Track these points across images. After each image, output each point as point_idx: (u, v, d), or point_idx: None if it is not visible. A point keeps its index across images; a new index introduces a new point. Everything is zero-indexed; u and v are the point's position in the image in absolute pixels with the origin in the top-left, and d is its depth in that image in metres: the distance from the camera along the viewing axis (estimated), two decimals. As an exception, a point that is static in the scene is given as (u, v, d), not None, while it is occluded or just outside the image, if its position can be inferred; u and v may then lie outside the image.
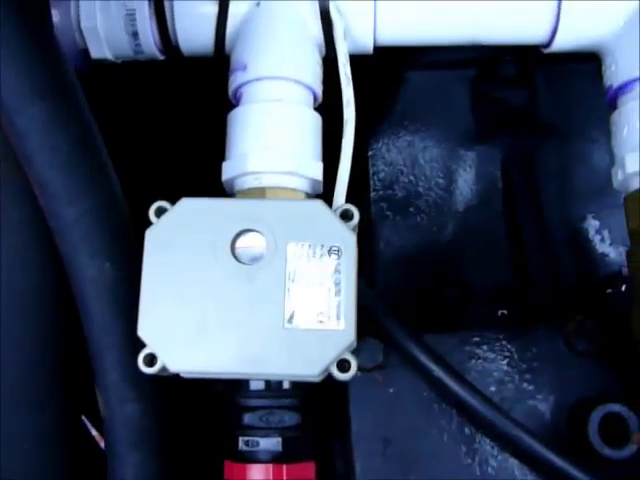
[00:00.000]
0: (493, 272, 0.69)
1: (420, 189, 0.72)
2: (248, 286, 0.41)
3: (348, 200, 0.50)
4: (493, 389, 0.58)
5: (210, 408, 0.56)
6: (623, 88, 0.55)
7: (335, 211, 0.42)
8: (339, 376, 0.41)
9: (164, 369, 0.41)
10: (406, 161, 0.73)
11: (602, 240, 0.72)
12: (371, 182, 0.72)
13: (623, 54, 0.55)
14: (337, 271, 0.41)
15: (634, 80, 0.54)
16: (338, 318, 0.41)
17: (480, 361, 0.58)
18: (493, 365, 0.58)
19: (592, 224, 0.72)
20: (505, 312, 0.66)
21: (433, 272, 0.70)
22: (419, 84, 0.73)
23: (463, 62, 0.72)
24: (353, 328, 0.40)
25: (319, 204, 0.42)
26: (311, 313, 0.41)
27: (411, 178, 0.72)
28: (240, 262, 0.42)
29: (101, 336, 0.45)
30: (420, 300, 0.68)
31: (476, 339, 0.59)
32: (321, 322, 0.41)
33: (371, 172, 0.73)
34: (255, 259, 0.42)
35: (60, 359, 0.49)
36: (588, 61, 0.61)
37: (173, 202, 0.43)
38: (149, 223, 0.43)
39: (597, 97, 0.60)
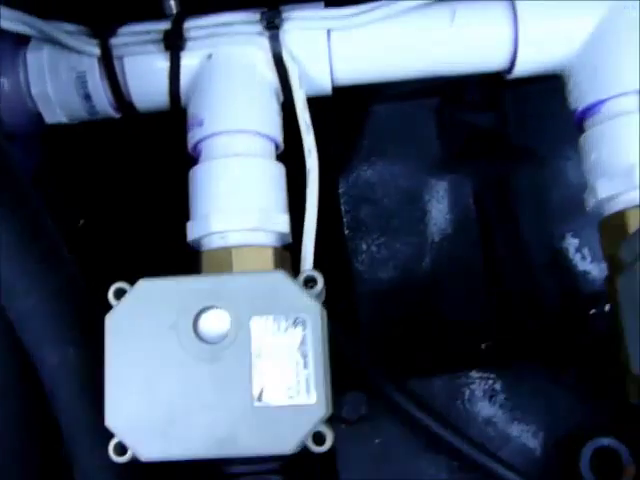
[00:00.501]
0: (473, 302, 0.68)
1: (395, 221, 0.71)
2: (214, 366, 0.40)
3: (320, 237, 0.49)
4: (480, 428, 0.57)
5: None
6: (587, 111, 0.54)
7: (298, 278, 0.41)
8: (315, 449, 0.40)
9: (135, 458, 0.40)
10: (377, 195, 0.72)
11: (583, 258, 0.71)
12: (344, 219, 0.71)
13: (584, 76, 0.55)
14: (303, 343, 0.40)
15: (598, 103, 0.53)
16: (308, 391, 0.39)
17: (466, 402, 0.57)
18: (480, 405, 0.57)
19: (572, 242, 0.71)
20: (489, 344, 0.65)
21: (413, 304, 0.69)
22: (384, 116, 0.72)
23: (427, 90, 0.71)
24: (325, 400, 0.39)
25: (280, 276, 0.41)
26: (280, 389, 0.40)
27: (384, 212, 0.71)
28: (204, 342, 0.41)
29: (72, 424, 0.44)
30: (402, 333, 0.67)
31: (461, 380, 0.58)
32: (291, 397, 0.39)
33: (343, 210, 0.72)
34: (219, 337, 0.41)
35: (34, 445, 0.48)
36: (556, 78, 0.60)
37: (133, 282, 0.42)
38: (110, 306, 0.42)
39: (568, 114, 0.59)
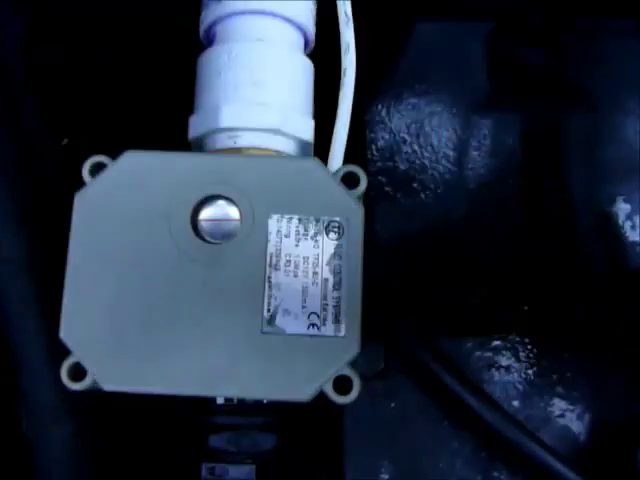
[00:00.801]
0: (511, 260, 0.58)
1: (426, 162, 0.61)
2: (213, 273, 0.30)
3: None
4: (516, 404, 0.47)
5: (168, 426, 0.44)
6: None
7: (335, 174, 0.31)
8: (337, 399, 0.30)
9: (95, 385, 0.29)
10: (410, 128, 0.61)
11: (633, 227, 0.61)
12: (368, 152, 0.61)
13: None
14: (337, 255, 0.30)
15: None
16: (336, 321, 0.29)
17: (501, 371, 0.47)
18: (517, 376, 0.47)
19: (622, 208, 0.61)
20: (529, 307, 0.55)
21: (440, 260, 0.59)
22: (429, 37, 0.61)
23: (483, 12, 0.61)
24: (357, 335, 0.29)
25: (315, 164, 0.31)
26: (300, 313, 0.29)
27: (415, 148, 0.61)
28: (203, 240, 0.30)
29: (20, 335, 0.33)
30: (425, 295, 0.57)
31: (496, 344, 0.48)
32: (313, 326, 0.29)
33: (368, 140, 0.61)
34: (224, 237, 0.30)
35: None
36: (627, 16, 0.50)
37: (115, 157, 0.32)
38: (82, 185, 0.32)
39: (635, 61, 0.49)
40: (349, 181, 0.32)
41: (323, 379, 0.29)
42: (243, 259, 0.30)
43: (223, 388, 0.29)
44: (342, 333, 0.29)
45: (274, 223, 0.30)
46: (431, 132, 0.61)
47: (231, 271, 0.30)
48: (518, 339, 0.48)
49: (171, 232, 0.30)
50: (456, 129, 0.60)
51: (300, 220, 0.30)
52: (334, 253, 0.30)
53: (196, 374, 0.29)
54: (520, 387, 0.48)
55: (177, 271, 0.30)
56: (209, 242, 0.30)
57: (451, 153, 0.60)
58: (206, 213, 0.31)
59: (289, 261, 0.30)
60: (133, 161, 0.31)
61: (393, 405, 0.46)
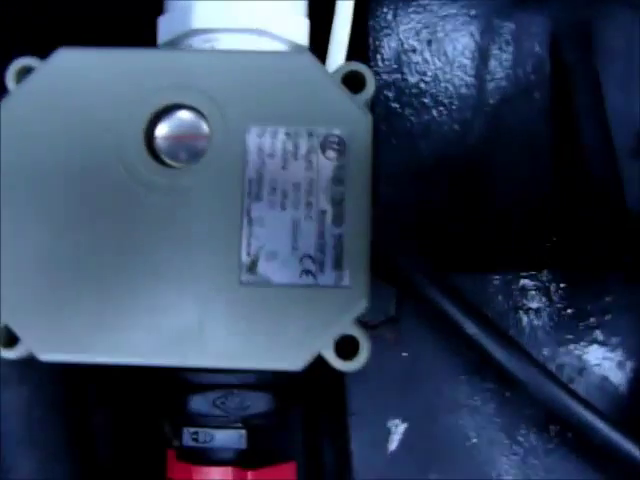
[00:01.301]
0: (536, 186, 0.51)
1: (438, 73, 0.52)
2: (175, 207, 0.22)
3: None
4: (547, 353, 0.41)
5: (140, 383, 0.38)
6: None
7: (334, 74, 0.23)
8: (339, 365, 0.23)
9: (30, 354, 0.23)
10: (420, 34, 0.53)
11: (676, 149, 0.54)
12: (372, 63, 0.53)
13: None
14: (337, 180, 0.23)
15: None
16: (339, 266, 0.22)
17: (530, 314, 0.41)
18: (548, 319, 0.41)
19: (667, 129, 0.53)
20: (558, 240, 0.48)
21: (456, 188, 0.51)
22: None
23: None
24: (365, 283, 0.22)
25: (307, 59, 0.23)
26: (290, 257, 0.22)
27: (426, 57, 0.53)
28: (161, 163, 0.23)
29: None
30: (440, 228, 0.50)
31: (524, 282, 0.41)
32: (308, 273, 0.22)
33: (372, 49, 0.53)
34: (188, 158, 0.23)
35: None
36: None
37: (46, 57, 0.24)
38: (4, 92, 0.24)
39: None
40: (352, 84, 0.24)
41: (321, 342, 0.22)
42: (213, 187, 0.23)
43: (190, 356, 0.22)
44: (345, 282, 0.22)
45: (254, 138, 0.23)
46: (445, 38, 0.52)
47: (198, 203, 0.23)
48: (550, 277, 0.42)
49: (119, 153, 0.23)
50: (474, 34, 0.52)
51: (288, 134, 0.23)
52: (333, 177, 0.23)
53: (155, 338, 0.22)
54: (552, 332, 0.41)
55: (127, 204, 0.23)
56: (169, 165, 0.23)
57: (468, 63, 0.52)
58: (164, 128, 0.23)
59: (274, 189, 0.23)
60: (68, 60, 0.24)
61: (405, 355, 0.39)
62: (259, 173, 0.23)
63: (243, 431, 0.31)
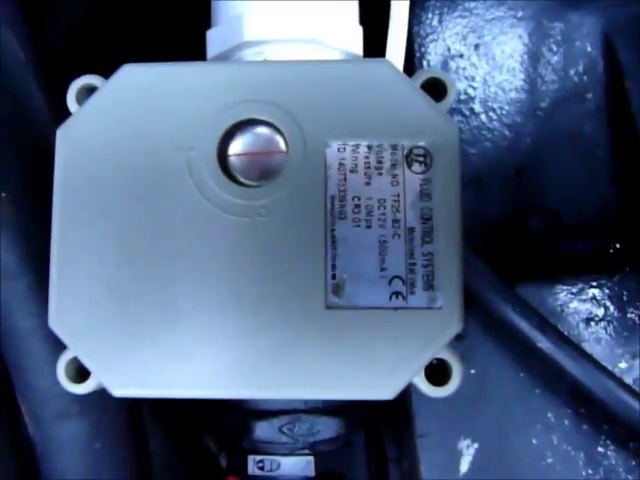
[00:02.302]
0: (592, 191, 0.49)
1: (487, 78, 0.51)
2: (252, 228, 0.21)
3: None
4: (624, 366, 0.38)
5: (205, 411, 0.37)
6: None
7: (415, 79, 0.22)
8: (431, 392, 0.21)
9: (100, 388, 0.21)
10: (467, 39, 0.51)
11: None
12: (417, 69, 0.51)
13: None
14: (425, 194, 0.21)
15: None
16: (430, 286, 0.21)
17: (602, 323, 0.39)
18: (621, 329, 0.39)
19: None
20: (617, 246, 0.46)
21: (506, 193, 0.49)
22: None
23: None
24: (458, 304, 0.21)
25: (386, 67, 0.22)
26: (378, 278, 0.21)
27: (474, 62, 0.51)
28: (236, 182, 0.22)
29: (13, 316, 0.26)
30: (492, 235, 0.48)
31: (594, 291, 0.39)
32: (397, 295, 0.21)
33: (417, 56, 0.52)
34: (265, 176, 0.22)
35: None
36: None
37: (109, 76, 0.23)
38: (66, 116, 0.23)
39: None
40: (431, 92, 0.23)
41: (413, 368, 0.21)
42: (293, 206, 0.21)
43: (272, 386, 0.21)
44: (438, 303, 0.21)
45: (334, 154, 0.21)
46: (492, 42, 0.50)
47: (277, 224, 0.21)
48: (622, 284, 0.39)
49: (191, 173, 0.22)
50: (522, 37, 0.50)
51: (370, 147, 0.21)
52: (420, 191, 0.21)
53: (235, 369, 0.21)
54: (627, 344, 0.39)
55: (202, 227, 0.21)
56: (244, 184, 0.22)
57: (517, 66, 0.50)
58: (238, 145, 0.22)
59: (358, 206, 0.21)
60: (133, 78, 0.22)
61: (473, 373, 0.38)
62: (341, 190, 0.21)
63: (311, 457, 0.30)
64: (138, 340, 0.21)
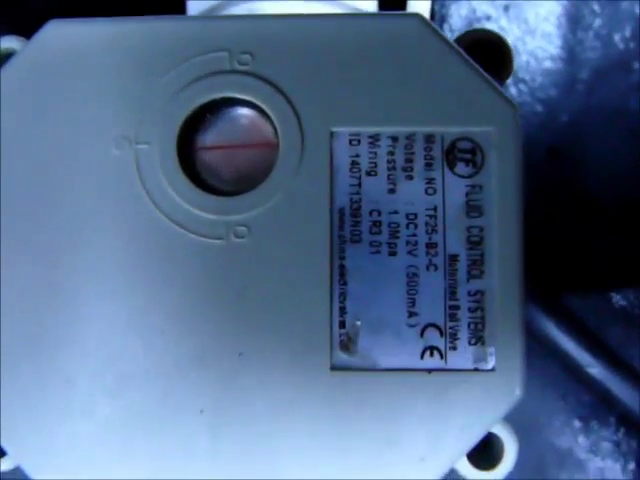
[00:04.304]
0: (638, 176, 0.43)
1: (518, 44, 0.44)
2: (230, 252, 0.15)
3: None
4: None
5: None
6: None
7: (459, 44, 0.15)
8: (476, 476, 0.15)
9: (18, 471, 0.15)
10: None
11: None
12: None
13: None
14: (474, 208, 0.15)
15: None
16: (479, 339, 0.15)
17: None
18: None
19: None
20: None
21: (546, 186, 0.43)
22: None
23: None
24: (518, 363, 0.14)
25: (417, 21, 0.15)
26: (404, 327, 0.15)
27: (503, 26, 0.45)
28: (206, 188, 0.15)
29: None
30: (536, 236, 0.41)
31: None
32: (432, 352, 0.15)
33: (438, 18, 0.46)
34: (247, 180, 0.15)
35: None
36: None
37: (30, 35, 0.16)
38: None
39: None
40: (481, 62, 0.16)
41: (453, 452, 0.15)
42: (285, 223, 0.15)
43: (263, 472, 0.15)
44: (489, 363, 0.15)
45: (344, 148, 0.15)
46: (524, 2, 0.44)
47: (261, 248, 0.15)
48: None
49: (141, 175, 0.15)
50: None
51: (395, 139, 0.15)
52: (467, 203, 0.15)
53: (197, 456, 0.14)
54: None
55: (154, 253, 0.15)
56: (216, 191, 0.15)
57: (553, 30, 0.44)
58: (208, 135, 0.16)
59: (378, 224, 0.15)
60: (62, 38, 0.16)
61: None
62: (354, 200, 0.15)
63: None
64: (65, 408, 0.15)
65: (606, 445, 0.31)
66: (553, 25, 0.43)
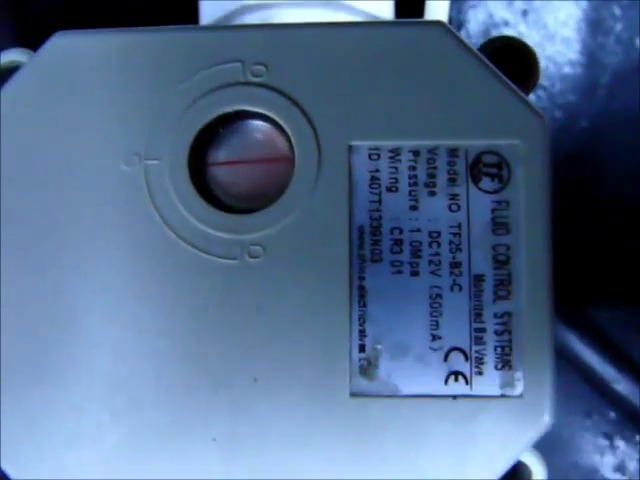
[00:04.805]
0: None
1: (538, 50, 0.43)
2: (244, 273, 0.14)
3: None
4: None
5: None
6: None
7: (483, 52, 0.15)
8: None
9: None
10: (513, 3, 0.44)
11: None
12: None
13: None
14: (500, 225, 0.14)
15: None
16: (506, 364, 0.14)
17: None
18: None
19: None
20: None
21: (567, 190, 0.42)
22: None
23: None
24: (548, 389, 0.14)
25: (442, 30, 0.14)
26: (427, 351, 0.14)
27: (522, 31, 0.44)
28: (219, 205, 0.15)
29: None
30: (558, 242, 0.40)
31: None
32: (457, 377, 0.14)
33: (456, 24, 0.45)
34: (260, 195, 0.15)
35: None
36: None
37: (37, 48, 0.16)
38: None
39: None
40: (506, 71, 0.15)
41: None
42: (301, 242, 0.14)
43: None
44: (517, 389, 0.14)
45: (363, 162, 0.14)
46: (543, 7, 0.43)
47: (277, 269, 0.14)
48: None
49: (150, 192, 0.15)
50: (580, 1, 0.43)
51: (417, 153, 0.14)
52: (493, 220, 0.14)
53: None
54: None
55: (163, 273, 0.14)
56: (229, 209, 0.15)
57: (573, 35, 0.43)
58: (220, 150, 0.15)
59: (399, 242, 0.14)
60: (69, 50, 0.15)
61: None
62: (374, 218, 0.14)
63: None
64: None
65: (633, 464, 0.30)
66: (573, 30, 0.42)
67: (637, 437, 0.30)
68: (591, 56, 0.42)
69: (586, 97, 0.41)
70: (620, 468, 0.30)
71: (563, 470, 0.30)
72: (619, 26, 0.42)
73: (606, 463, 0.30)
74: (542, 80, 0.42)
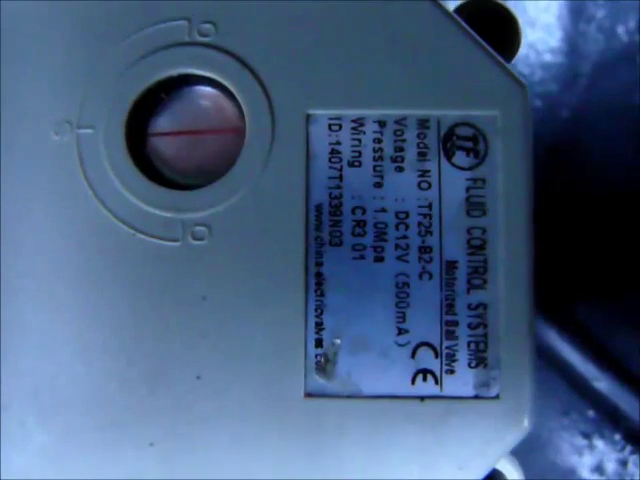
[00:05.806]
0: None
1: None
2: (187, 257, 0.12)
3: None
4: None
5: None
6: None
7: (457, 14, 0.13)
8: (473, 521, 0.13)
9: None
10: None
11: None
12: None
13: None
14: (474, 205, 0.12)
15: None
16: (479, 361, 0.12)
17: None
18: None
19: None
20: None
21: (548, 188, 0.41)
22: None
23: None
24: (527, 390, 0.12)
25: (426, 4, 0.13)
26: (392, 345, 0.12)
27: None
28: (159, 180, 0.13)
29: None
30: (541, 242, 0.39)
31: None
32: (426, 375, 0.12)
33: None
34: (205, 169, 0.13)
35: None
36: None
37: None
38: None
39: None
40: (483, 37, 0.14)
41: (452, 493, 0.12)
42: (251, 223, 0.12)
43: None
44: (492, 389, 0.12)
45: (322, 133, 0.13)
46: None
47: (224, 252, 0.12)
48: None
49: (83, 165, 0.13)
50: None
51: (383, 123, 0.13)
52: (467, 200, 0.12)
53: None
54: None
55: (98, 256, 0.12)
56: (170, 184, 0.13)
57: (553, 22, 0.42)
58: (162, 119, 0.13)
59: (362, 222, 0.12)
60: (-7, 3, 0.13)
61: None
62: (334, 196, 0.13)
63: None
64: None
65: (612, 465, 0.29)
66: (554, 16, 0.41)
67: (616, 436, 0.28)
68: (572, 44, 0.40)
69: (567, 86, 0.40)
70: (598, 469, 0.29)
71: (540, 471, 0.29)
72: (601, 13, 0.41)
73: (584, 463, 0.29)
74: (522, 68, 0.41)
